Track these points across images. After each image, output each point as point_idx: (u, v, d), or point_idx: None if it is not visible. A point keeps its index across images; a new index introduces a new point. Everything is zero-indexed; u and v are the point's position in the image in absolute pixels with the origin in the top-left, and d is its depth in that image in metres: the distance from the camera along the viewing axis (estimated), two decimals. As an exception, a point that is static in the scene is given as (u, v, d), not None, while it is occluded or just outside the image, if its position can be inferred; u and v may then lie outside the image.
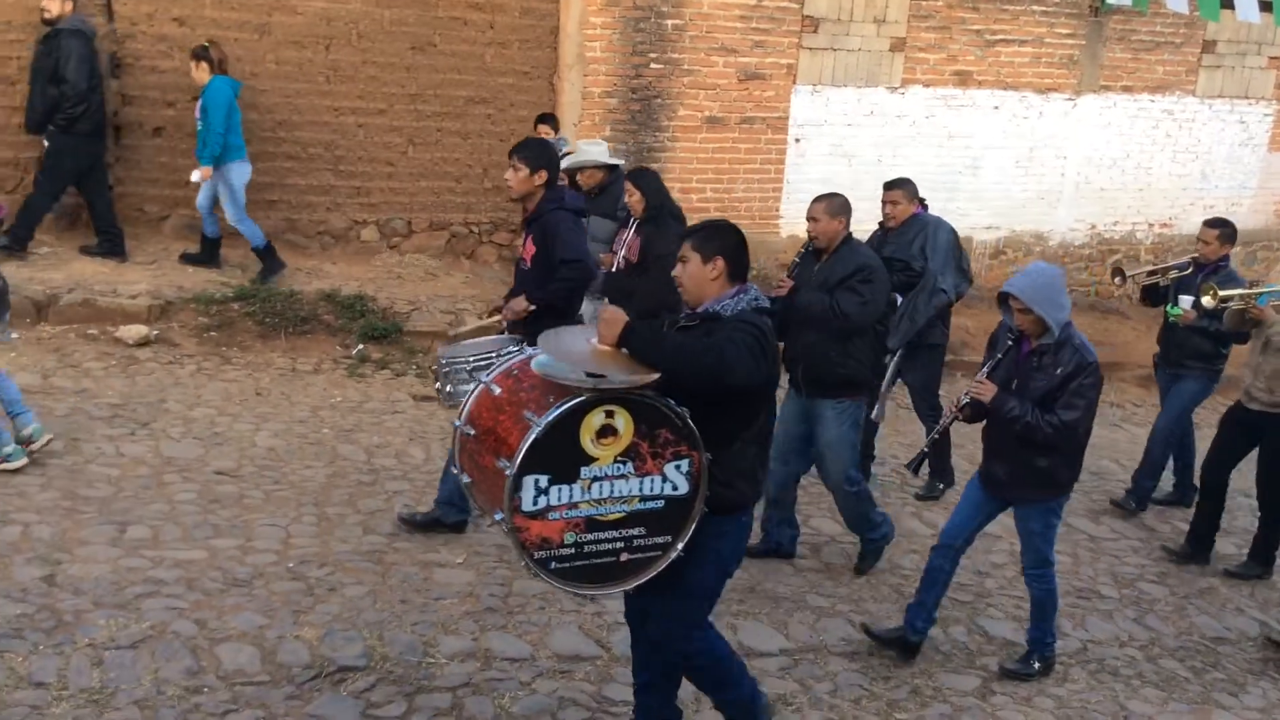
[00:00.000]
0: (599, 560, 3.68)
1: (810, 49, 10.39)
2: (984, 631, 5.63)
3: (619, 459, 3.58)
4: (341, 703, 4.37)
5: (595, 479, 3.57)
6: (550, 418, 3.48)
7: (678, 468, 3.67)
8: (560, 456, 3.51)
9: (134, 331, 7.92)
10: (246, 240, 8.86)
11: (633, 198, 7.04)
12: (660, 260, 7.11)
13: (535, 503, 3.53)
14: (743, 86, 10.22)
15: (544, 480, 3.52)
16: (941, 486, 7.32)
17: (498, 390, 3.81)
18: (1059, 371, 4.84)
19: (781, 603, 5.59)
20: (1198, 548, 6.74)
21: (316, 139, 9.57)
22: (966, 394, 5.08)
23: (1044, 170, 11.68)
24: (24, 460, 5.94)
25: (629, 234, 7.19)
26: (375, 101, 9.60)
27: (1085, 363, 4.82)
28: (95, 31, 8.49)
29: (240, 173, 8.68)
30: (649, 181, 7.12)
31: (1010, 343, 5.01)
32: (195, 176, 8.57)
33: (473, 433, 3.81)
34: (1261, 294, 6.56)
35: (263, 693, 4.36)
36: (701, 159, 10.27)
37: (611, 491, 3.61)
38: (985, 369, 5.07)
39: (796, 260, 5.93)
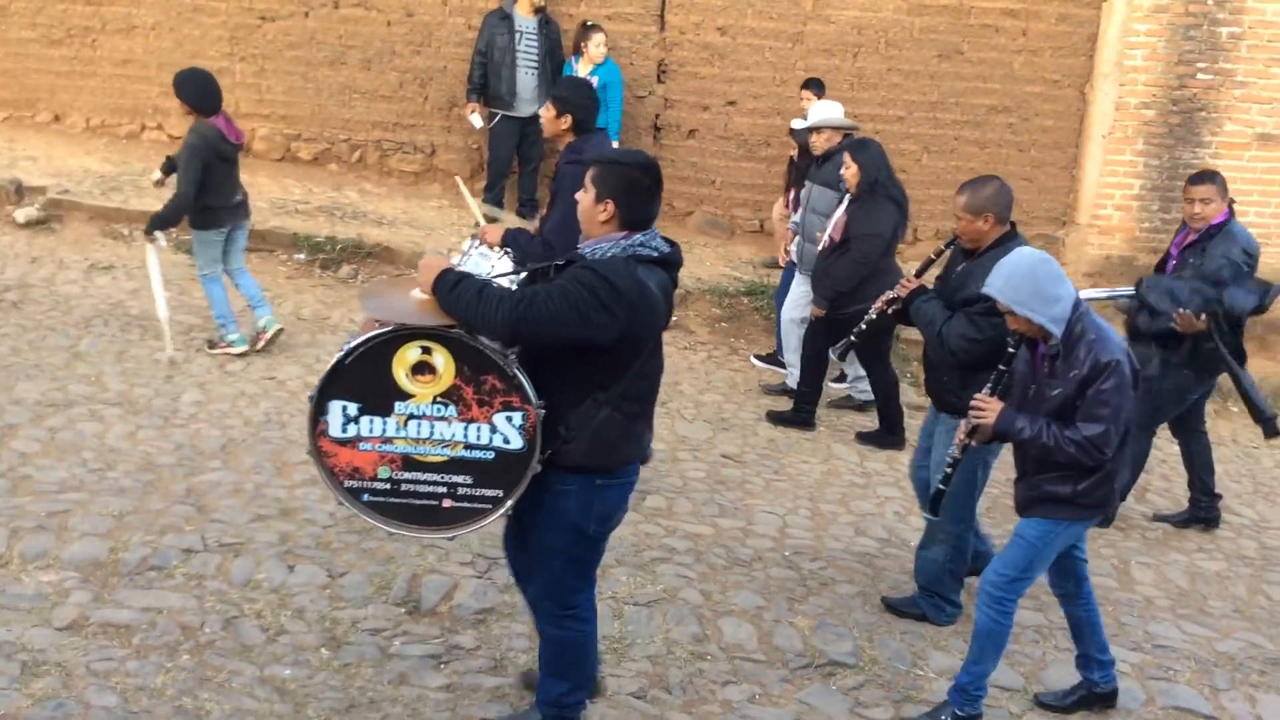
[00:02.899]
0: (418, 501, 3.63)
1: (1401, 58, 9.02)
2: None
3: (439, 400, 3.52)
4: (831, 695, 4.51)
5: (411, 416, 3.54)
6: (353, 344, 3.50)
7: (509, 419, 3.52)
8: (372, 387, 3.52)
9: (657, 316, 8.63)
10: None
11: (849, 171, 6.57)
12: (860, 241, 6.58)
13: (344, 430, 3.56)
14: (1308, 101, 9.11)
15: (353, 408, 3.54)
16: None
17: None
18: (1073, 375, 3.94)
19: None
20: None
21: (834, 144, 9.82)
22: (969, 417, 4.22)
23: None
24: (245, 347, 6.96)
25: (840, 210, 6.72)
26: (894, 109, 9.68)
27: (1101, 362, 3.89)
28: None
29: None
30: (869, 155, 6.57)
31: (1011, 350, 4.12)
32: None
33: None
34: None
35: (759, 670, 4.60)
36: (1248, 179, 9.27)
37: (431, 433, 3.55)
38: (988, 385, 4.19)
39: (932, 256, 5.14)
